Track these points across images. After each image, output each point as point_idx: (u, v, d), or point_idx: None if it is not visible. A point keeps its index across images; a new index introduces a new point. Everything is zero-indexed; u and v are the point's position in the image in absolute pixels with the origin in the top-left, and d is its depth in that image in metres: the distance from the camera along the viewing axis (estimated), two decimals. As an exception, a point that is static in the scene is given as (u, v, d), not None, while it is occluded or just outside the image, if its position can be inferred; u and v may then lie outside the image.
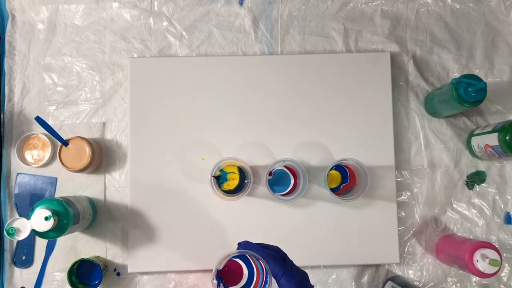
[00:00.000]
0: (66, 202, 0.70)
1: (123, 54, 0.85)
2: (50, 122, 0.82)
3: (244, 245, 0.56)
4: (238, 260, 0.55)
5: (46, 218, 0.65)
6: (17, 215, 0.81)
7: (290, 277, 0.53)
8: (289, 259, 0.57)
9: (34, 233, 0.66)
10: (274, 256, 0.54)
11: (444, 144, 0.85)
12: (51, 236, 0.68)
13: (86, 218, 0.76)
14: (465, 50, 0.87)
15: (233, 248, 0.78)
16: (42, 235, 0.67)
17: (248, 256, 0.54)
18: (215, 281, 0.51)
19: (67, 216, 0.69)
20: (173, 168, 0.81)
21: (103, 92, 0.84)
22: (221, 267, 0.52)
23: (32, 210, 0.67)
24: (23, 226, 0.66)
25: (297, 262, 0.79)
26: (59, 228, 0.68)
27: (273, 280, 0.52)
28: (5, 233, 0.65)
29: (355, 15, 0.87)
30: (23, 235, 0.66)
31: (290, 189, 0.80)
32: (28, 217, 0.66)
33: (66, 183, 0.82)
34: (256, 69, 0.83)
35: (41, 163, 0.81)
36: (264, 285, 0.52)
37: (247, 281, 0.54)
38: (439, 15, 0.87)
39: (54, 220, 0.66)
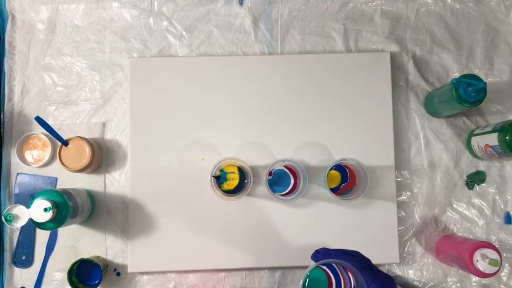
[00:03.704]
0: (66, 195, 0.70)
1: (123, 54, 0.85)
2: (50, 122, 0.82)
3: (323, 252, 0.53)
4: (325, 267, 0.52)
5: (46, 210, 0.65)
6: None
7: (380, 284, 0.51)
8: (373, 264, 0.54)
9: (31, 222, 0.66)
10: (361, 264, 0.52)
11: (444, 144, 0.85)
12: (48, 227, 0.68)
13: (85, 212, 0.76)
14: (465, 50, 0.87)
15: (232, 248, 0.79)
16: (39, 225, 0.67)
17: (334, 265, 0.52)
18: None
19: (66, 209, 0.69)
20: (173, 168, 0.81)
21: (103, 92, 0.84)
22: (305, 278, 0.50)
23: (32, 199, 0.67)
24: (22, 214, 0.66)
25: (297, 262, 0.80)
26: (58, 220, 0.68)
27: None
28: (3, 219, 0.65)
29: (355, 15, 0.87)
30: (20, 223, 0.65)
31: (290, 189, 0.80)
32: (27, 206, 0.66)
33: (66, 183, 0.82)
34: (256, 69, 0.83)
35: (41, 163, 0.81)
36: None
37: None
38: (439, 15, 0.87)
39: (53, 212, 0.66)
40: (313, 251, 0.80)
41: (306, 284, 0.50)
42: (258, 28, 0.86)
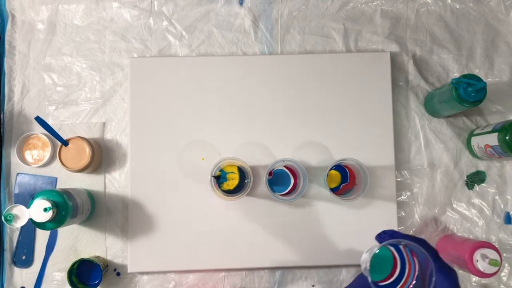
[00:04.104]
0: (66, 195, 0.71)
1: (123, 54, 0.85)
2: (50, 122, 0.82)
3: (391, 234, 0.52)
4: (391, 248, 0.52)
5: (45, 209, 0.66)
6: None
7: (446, 273, 0.49)
8: (439, 254, 0.52)
9: (31, 222, 0.66)
10: (427, 249, 0.50)
11: (444, 144, 0.85)
12: (48, 227, 0.68)
13: (85, 212, 0.76)
14: (465, 50, 0.87)
15: (232, 248, 0.79)
16: (39, 225, 0.68)
17: (401, 247, 0.51)
18: (368, 267, 0.49)
19: (66, 209, 0.69)
20: (173, 168, 0.81)
21: (103, 92, 0.84)
22: (370, 257, 0.49)
23: (32, 199, 0.67)
24: (21, 214, 0.66)
25: (297, 262, 0.80)
26: (58, 220, 0.68)
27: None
28: (3, 219, 0.65)
29: (355, 15, 0.87)
30: (20, 223, 0.66)
31: (290, 189, 0.80)
32: (27, 206, 0.66)
33: (66, 183, 0.82)
34: (256, 69, 0.83)
35: (41, 163, 0.81)
36: (417, 278, 0.49)
37: (399, 273, 0.51)
38: (439, 15, 0.87)
39: (53, 212, 0.66)
40: (313, 251, 0.80)
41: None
42: (258, 28, 0.86)
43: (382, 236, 0.53)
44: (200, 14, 0.86)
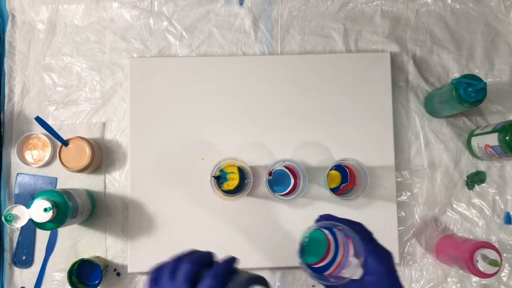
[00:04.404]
0: (66, 195, 0.71)
1: (123, 54, 0.85)
2: (50, 122, 0.82)
3: (327, 217, 0.52)
4: (325, 231, 0.52)
5: (45, 210, 0.66)
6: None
7: (378, 256, 0.49)
8: (374, 238, 0.52)
9: (31, 222, 0.67)
10: (362, 234, 0.50)
11: (444, 144, 0.85)
12: (48, 227, 0.68)
13: (85, 212, 0.76)
14: (465, 50, 0.87)
15: (232, 248, 0.79)
16: (39, 225, 0.68)
17: (335, 230, 0.51)
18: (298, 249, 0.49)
19: (66, 209, 0.69)
20: (173, 168, 0.81)
21: (103, 92, 0.84)
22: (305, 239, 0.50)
23: (32, 199, 0.67)
24: (22, 214, 0.66)
25: (297, 262, 0.80)
26: (58, 220, 0.69)
27: (354, 260, 0.49)
28: (3, 219, 0.65)
29: (355, 15, 0.87)
30: (20, 223, 0.66)
31: (290, 189, 0.80)
32: (27, 206, 0.66)
33: (66, 183, 0.82)
34: (256, 69, 0.83)
35: (41, 163, 0.81)
36: (345, 261, 0.49)
37: (333, 256, 0.51)
38: (439, 15, 0.87)
39: (53, 212, 0.66)
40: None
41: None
42: (258, 28, 0.86)
43: (319, 220, 0.54)
44: (200, 14, 0.86)
